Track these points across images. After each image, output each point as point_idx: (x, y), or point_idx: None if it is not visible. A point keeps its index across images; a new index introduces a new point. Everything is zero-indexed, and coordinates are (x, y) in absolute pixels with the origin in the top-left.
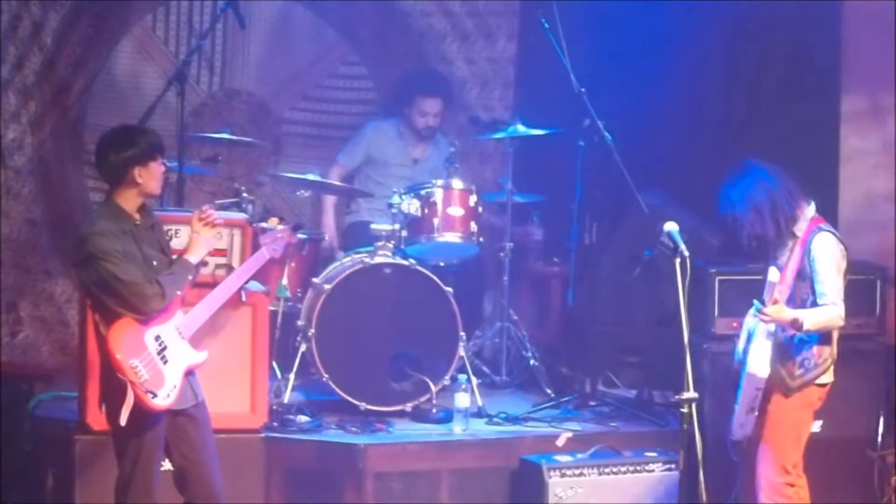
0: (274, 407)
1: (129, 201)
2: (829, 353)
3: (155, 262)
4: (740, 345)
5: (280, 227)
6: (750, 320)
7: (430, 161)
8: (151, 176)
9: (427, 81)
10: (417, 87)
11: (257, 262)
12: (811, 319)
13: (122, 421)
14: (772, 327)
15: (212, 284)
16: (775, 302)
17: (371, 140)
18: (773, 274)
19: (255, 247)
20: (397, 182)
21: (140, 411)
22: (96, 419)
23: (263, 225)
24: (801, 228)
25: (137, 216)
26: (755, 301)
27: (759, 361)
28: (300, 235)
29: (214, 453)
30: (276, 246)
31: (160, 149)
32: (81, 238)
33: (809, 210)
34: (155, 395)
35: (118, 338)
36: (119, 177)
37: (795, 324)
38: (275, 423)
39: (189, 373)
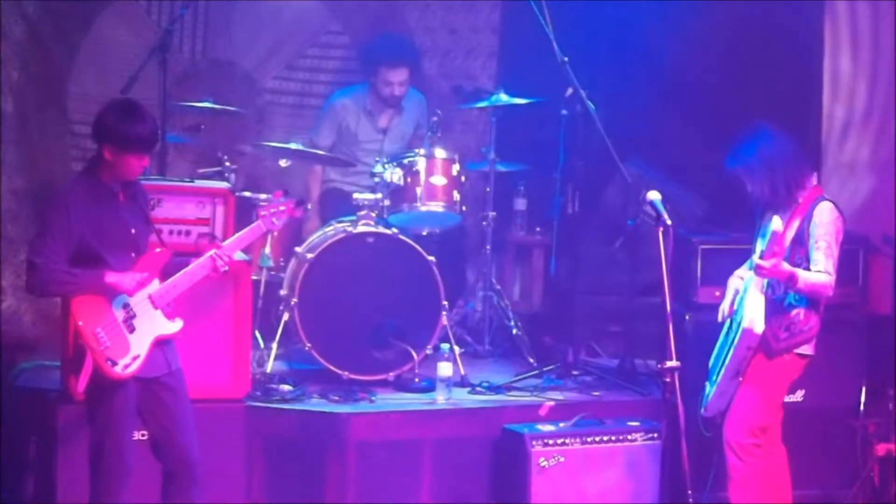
0: (256, 376)
1: (106, 171)
2: (815, 321)
3: (133, 230)
4: (721, 313)
5: (283, 199)
6: (726, 304)
7: (399, 127)
8: (122, 164)
9: (391, 51)
10: (382, 57)
11: (252, 235)
12: (805, 280)
13: (80, 387)
14: (764, 283)
15: (195, 254)
16: (775, 254)
17: (340, 117)
18: (776, 223)
19: (239, 216)
20: (368, 154)
21: (102, 379)
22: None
23: (263, 196)
24: (802, 195)
25: (117, 183)
26: (752, 257)
27: (754, 317)
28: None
29: (191, 421)
30: (277, 219)
31: (144, 146)
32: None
33: (813, 179)
34: (115, 364)
35: (83, 304)
36: (97, 144)
37: (791, 280)
38: (257, 393)
39: (161, 342)
